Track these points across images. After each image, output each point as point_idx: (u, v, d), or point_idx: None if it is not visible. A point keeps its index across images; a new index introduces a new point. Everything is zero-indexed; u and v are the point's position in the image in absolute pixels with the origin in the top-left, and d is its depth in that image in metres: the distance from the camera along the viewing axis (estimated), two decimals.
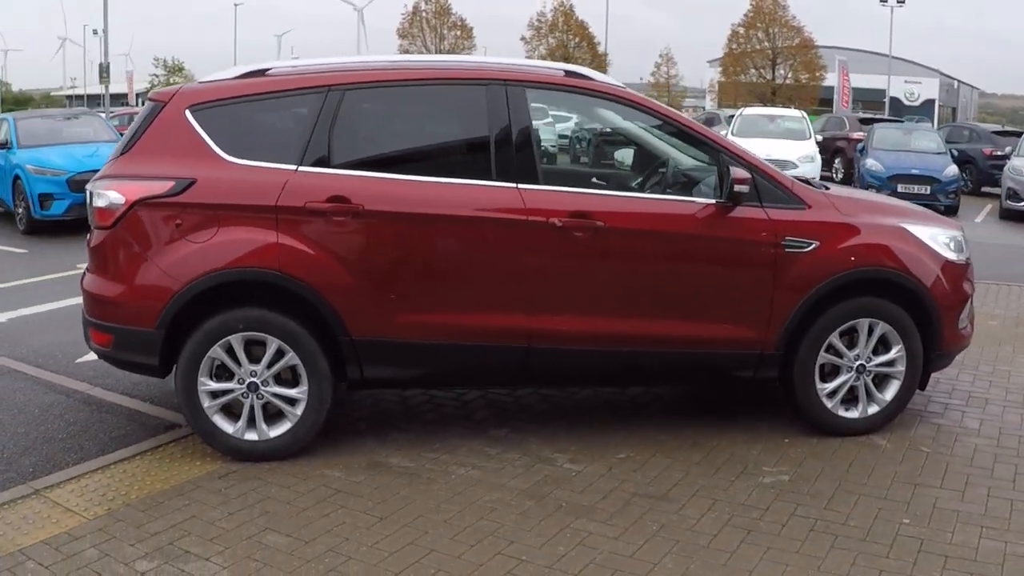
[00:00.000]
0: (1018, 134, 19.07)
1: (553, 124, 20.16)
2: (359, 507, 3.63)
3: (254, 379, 3.97)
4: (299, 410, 4.01)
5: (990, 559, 3.21)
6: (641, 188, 4.64)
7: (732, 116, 20.74)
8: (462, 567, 3.16)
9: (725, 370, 4.31)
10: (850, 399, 4.40)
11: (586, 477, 3.92)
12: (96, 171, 4.29)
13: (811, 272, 4.16)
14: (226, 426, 4.01)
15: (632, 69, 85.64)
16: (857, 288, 4.27)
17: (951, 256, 4.44)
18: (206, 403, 3.98)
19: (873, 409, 4.40)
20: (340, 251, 3.91)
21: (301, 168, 3.94)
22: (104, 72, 30.55)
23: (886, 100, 42.31)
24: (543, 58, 53.22)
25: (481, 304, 4.01)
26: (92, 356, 4.83)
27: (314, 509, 3.61)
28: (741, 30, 48.77)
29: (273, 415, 4.06)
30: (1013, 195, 14.52)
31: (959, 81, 60.92)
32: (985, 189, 18.53)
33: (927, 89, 53.28)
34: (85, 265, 4.24)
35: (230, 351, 3.95)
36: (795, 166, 15.85)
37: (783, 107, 27.04)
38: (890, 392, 4.40)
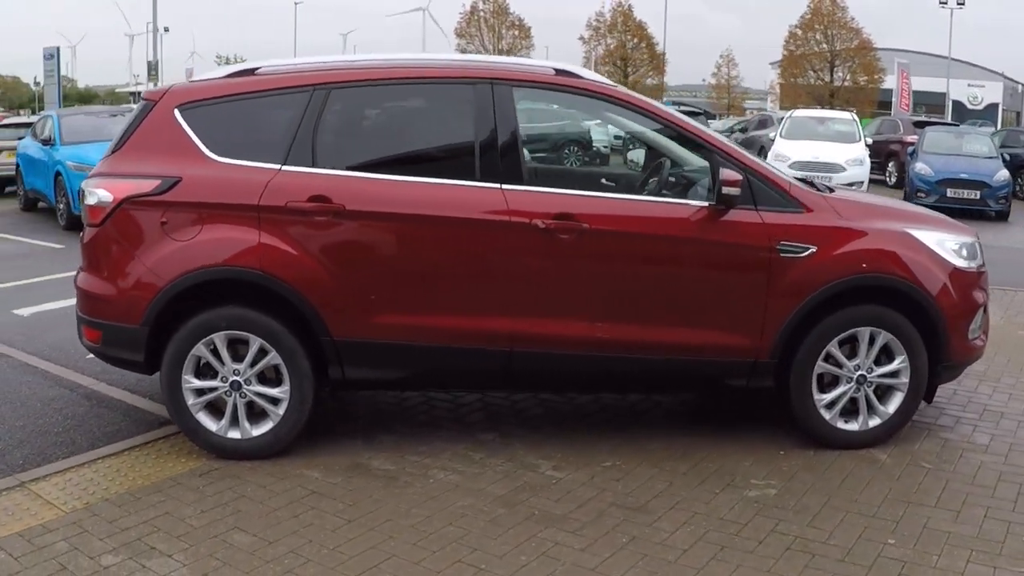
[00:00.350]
0: None
1: (606, 125, 20.12)
2: (330, 509, 3.60)
3: (237, 378, 3.98)
4: (281, 410, 4.01)
5: None
6: (642, 189, 4.54)
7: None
8: (419, 573, 3.11)
9: (717, 378, 4.17)
10: (851, 411, 4.23)
11: (566, 485, 3.83)
12: None
13: (807, 278, 4.01)
14: (210, 424, 4.03)
15: (695, 70, 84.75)
16: (857, 295, 4.10)
17: (960, 263, 4.23)
18: (190, 400, 4.00)
19: (874, 421, 4.22)
20: (321, 251, 3.90)
21: (285, 167, 3.94)
22: (152, 70, 31.39)
23: (948, 104, 41.05)
24: (601, 58, 53.14)
25: (463, 306, 3.95)
26: None
27: (285, 509, 3.60)
28: (799, 32, 47.90)
29: (258, 414, 4.07)
30: None
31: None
32: None
33: (991, 93, 51.52)
34: None
35: (214, 349, 3.97)
36: (843, 169, 15.51)
37: (840, 110, 26.49)
38: (893, 404, 4.22)
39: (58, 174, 11.49)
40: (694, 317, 4.03)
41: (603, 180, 5.23)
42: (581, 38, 54.70)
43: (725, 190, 3.83)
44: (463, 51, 54.48)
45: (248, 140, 4.01)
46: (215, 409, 4.07)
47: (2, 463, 4.08)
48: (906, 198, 15.13)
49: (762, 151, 17.98)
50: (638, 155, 4.61)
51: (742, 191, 3.96)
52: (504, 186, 3.92)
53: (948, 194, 14.28)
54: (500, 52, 54.02)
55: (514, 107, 3.98)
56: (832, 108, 33.80)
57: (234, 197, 3.91)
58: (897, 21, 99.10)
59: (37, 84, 49.76)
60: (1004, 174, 14.64)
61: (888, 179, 19.15)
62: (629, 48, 54.29)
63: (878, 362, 4.18)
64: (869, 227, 4.13)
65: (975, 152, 15.35)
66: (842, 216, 4.11)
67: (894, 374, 4.18)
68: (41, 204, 13.23)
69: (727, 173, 3.86)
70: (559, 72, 4.17)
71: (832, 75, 47.37)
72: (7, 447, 4.27)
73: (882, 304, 4.12)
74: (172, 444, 4.26)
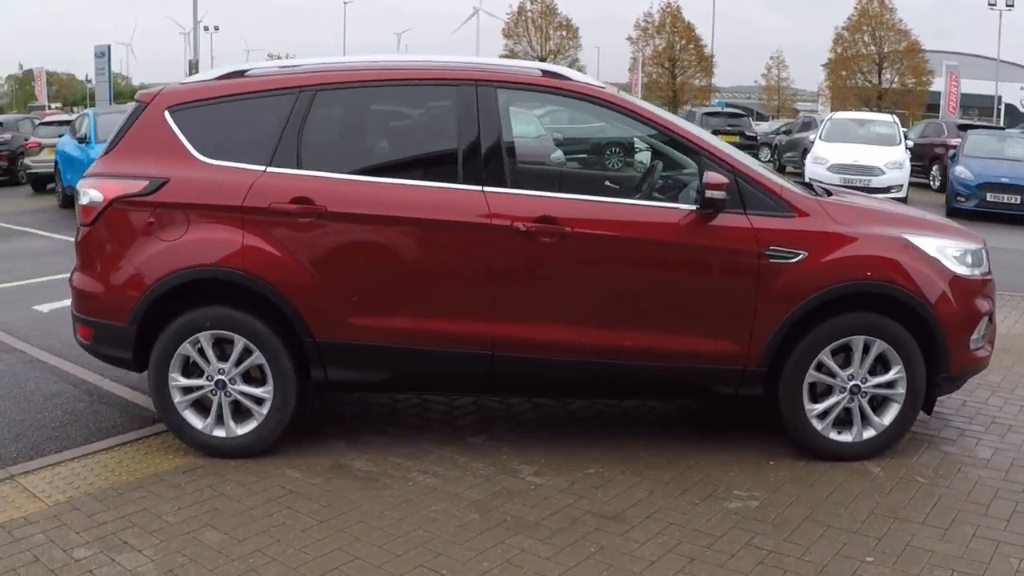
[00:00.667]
0: None
1: None
2: (304, 509, 3.61)
3: (222, 377, 4.02)
4: (265, 409, 4.04)
5: None
6: (635, 192, 4.47)
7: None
8: None
9: (704, 386, 4.08)
10: (845, 421, 4.11)
11: (544, 491, 3.79)
12: None
13: (798, 284, 3.90)
14: (196, 421, 4.07)
15: (747, 71, 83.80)
16: (851, 303, 3.98)
17: (961, 270, 4.09)
18: (177, 398, 4.05)
19: (869, 433, 4.10)
20: (303, 252, 3.91)
21: (270, 169, 3.96)
22: (193, 69, 32.00)
23: (998, 107, 39.91)
24: (649, 59, 52.82)
25: (444, 309, 3.93)
26: None
27: (260, 508, 3.62)
28: (846, 33, 47.05)
29: (244, 413, 4.10)
30: None
31: None
32: None
33: None
34: None
35: (200, 348, 4.01)
36: (882, 172, 15.20)
37: (888, 112, 25.93)
38: (889, 416, 4.09)
39: None
40: (680, 323, 3.95)
41: (608, 183, 5.17)
42: (629, 38, 54.46)
43: (709, 193, 3.75)
44: (511, 52, 54.63)
45: (235, 142, 4.04)
46: (202, 407, 4.11)
47: None
48: (947, 202, 14.76)
49: (805, 153, 17.69)
50: (645, 157, 4.53)
51: (730, 194, 3.88)
52: (486, 189, 3.89)
53: (988, 198, 13.87)
54: (547, 53, 54.05)
55: (498, 109, 3.95)
56: (880, 110, 33.12)
57: (219, 198, 3.94)
58: (946, 23, 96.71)
59: (88, 82, 51.03)
60: None
61: (932, 183, 18.67)
62: (677, 49, 53.84)
63: (873, 372, 4.06)
64: (863, 232, 4.01)
65: (1017, 156, 14.86)
66: (836, 221, 4.00)
67: (890, 384, 4.05)
68: None
69: (711, 176, 3.78)
70: (546, 74, 4.12)
71: (880, 77, 46.41)
72: (3, 440, 4.36)
73: (877, 312, 3.99)
74: (162, 441, 4.31)
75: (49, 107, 37.33)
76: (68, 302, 7.23)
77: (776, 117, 47.72)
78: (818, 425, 4.06)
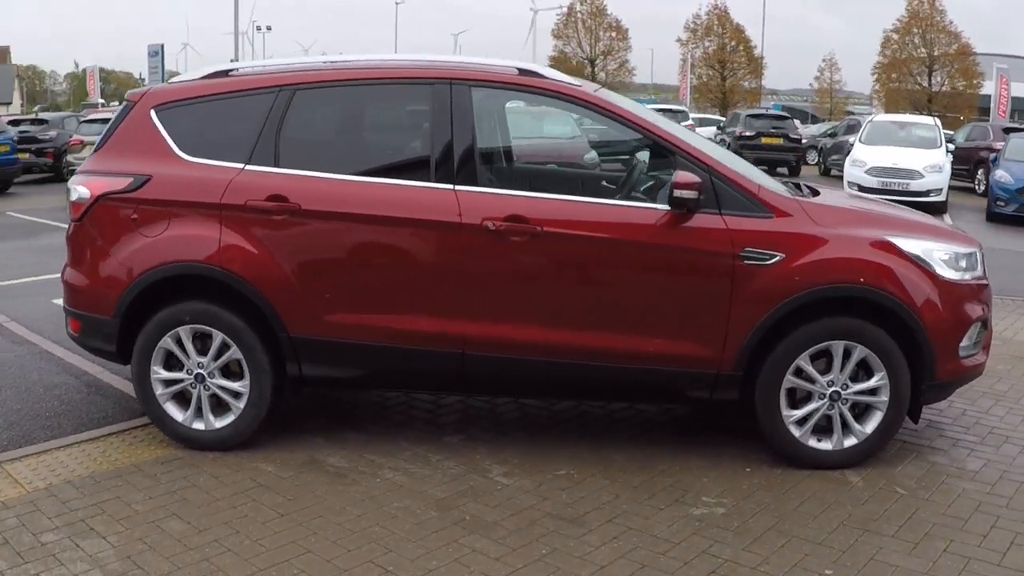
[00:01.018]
0: None
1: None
2: (269, 502, 3.65)
3: (201, 371, 4.09)
4: (242, 403, 4.10)
5: None
6: (619, 192, 4.43)
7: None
8: (326, 570, 3.12)
9: (677, 389, 4.02)
10: (826, 428, 4.01)
11: (509, 492, 3.77)
12: None
13: (774, 287, 3.82)
14: (176, 414, 4.15)
15: (801, 73, 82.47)
16: (832, 306, 3.88)
17: (949, 274, 3.95)
18: (158, 390, 4.13)
19: (850, 441, 3.99)
20: (278, 249, 3.96)
21: (248, 167, 4.02)
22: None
23: None
24: (698, 61, 52.27)
25: (415, 307, 3.94)
26: None
27: (227, 500, 3.67)
28: (895, 36, 45.98)
29: (224, 406, 4.16)
30: None
31: None
32: None
33: None
34: None
35: (180, 342, 4.09)
36: (921, 176, 14.85)
37: (938, 115, 25.24)
38: (871, 424, 3.98)
39: None
40: (652, 325, 3.89)
41: (604, 183, 5.13)
42: (679, 40, 53.97)
43: (677, 192, 3.70)
44: (561, 53, 54.58)
45: (217, 140, 4.11)
46: (184, 400, 4.19)
47: None
48: (988, 206, 14.30)
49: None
50: (644, 155, 4.48)
51: (706, 194, 3.82)
52: (457, 187, 3.89)
53: None
54: (597, 54, 53.85)
55: (471, 107, 3.95)
56: (930, 113, 32.24)
57: (199, 195, 4.01)
58: (997, 26, 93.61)
59: (141, 80, 52.34)
60: None
61: (977, 187, 18.11)
62: (727, 51, 53.19)
63: (856, 378, 3.95)
64: (844, 234, 3.90)
65: None
66: (815, 222, 3.90)
67: (873, 391, 3.95)
68: None
69: (680, 175, 3.72)
70: (522, 72, 4.10)
71: (930, 80, 45.24)
72: None
73: (859, 316, 3.89)
74: (148, 433, 4.40)
75: (102, 104, 38.35)
76: None
77: (829, 120, 46.80)
78: (796, 432, 3.97)
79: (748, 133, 22.60)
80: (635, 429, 4.57)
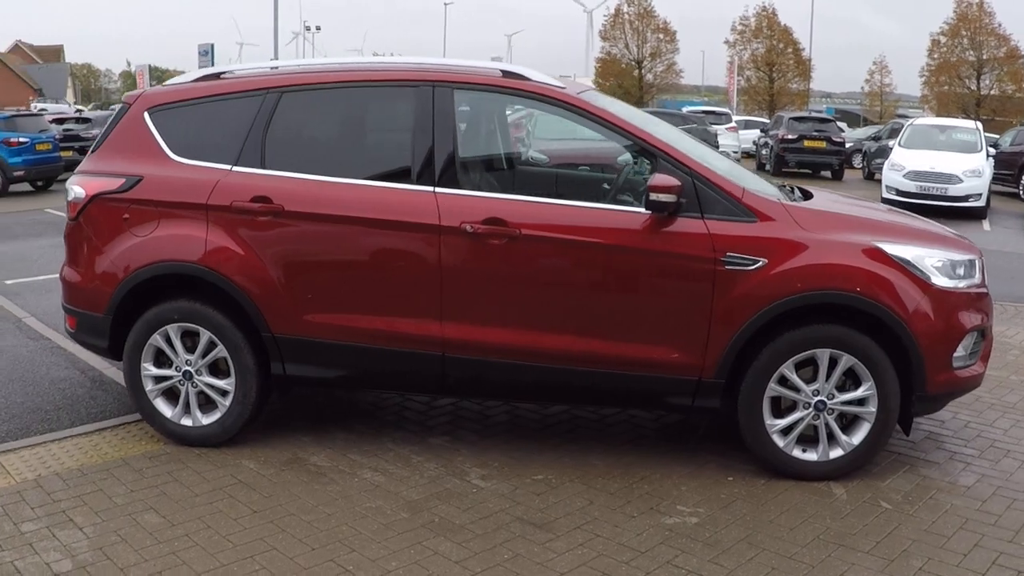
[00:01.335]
0: None
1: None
2: (245, 499, 3.69)
3: (189, 368, 4.16)
4: (228, 401, 4.16)
5: None
6: (608, 195, 4.38)
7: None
8: (287, 567, 3.14)
9: (658, 396, 3.96)
10: (812, 439, 3.92)
11: (483, 495, 3.76)
12: None
13: (756, 293, 3.75)
14: (166, 410, 4.23)
15: (854, 76, 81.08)
16: (817, 313, 3.79)
17: (941, 282, 3.83)
18: (148, 387, 4.21)
19: (836, 452, 3.90)
20: (262, 249, 4.00)
21: (235, 168, 4.08)
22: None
23: None
24: (745, 62, 51.61)
25: (395, 308, 3.95)
26: None
27: (205, 496, 3.72)
28: (943, 39, 44.85)
29: (212, 403, 4.23)
30: None
31: None
32: None
33: None
34: None
35: (169, 340, 4.16)
36: (960, 180, 14.49)
37: (987, 119, 24.55)
38: (859, 435, 3.88)
39: None
40: (632, 329, 3.85)
41: (605, 185, 5.08)
42: (726, 42, 53.35)
43: (653, 196, 3.65)
44: (608, 54, 54.29)
45: (206, 142, 4.17)
46: (173, 396, 4.26)
47: None
48: None
49: None
50: (627, 158, 4.43)
51: (688, 198, 3.76)
52: (437, 190, 3.89)
53: None
54: (644, 56, 53.47)
55: (453, 110, 3.95)
56: (978, 117, 31.34)
57: (186, 196, 4.08)
58: None
59: None
60: None
61: (1021, 192, 17.59)
62: (775, 53, 52.41)
63: (843, 388, 3.86)
64: (830, 239, 3.81)
65: None
66: (801, 227, 3.81)
67: (860, 402, 3.85)
68: None
69: (658, 178, 3.67)
70: (506, 74, 4.09)
71: (979, 83, 44.01)
72: None
73: (846, 324, 3.79)
74: (141, 428, 4.48)
75: None
76: None
77: (880, 123, 45.84)
78: (780, 442, 3.89)
79: (791, 136, 22.24)
80: (624, 435, 4.52)
